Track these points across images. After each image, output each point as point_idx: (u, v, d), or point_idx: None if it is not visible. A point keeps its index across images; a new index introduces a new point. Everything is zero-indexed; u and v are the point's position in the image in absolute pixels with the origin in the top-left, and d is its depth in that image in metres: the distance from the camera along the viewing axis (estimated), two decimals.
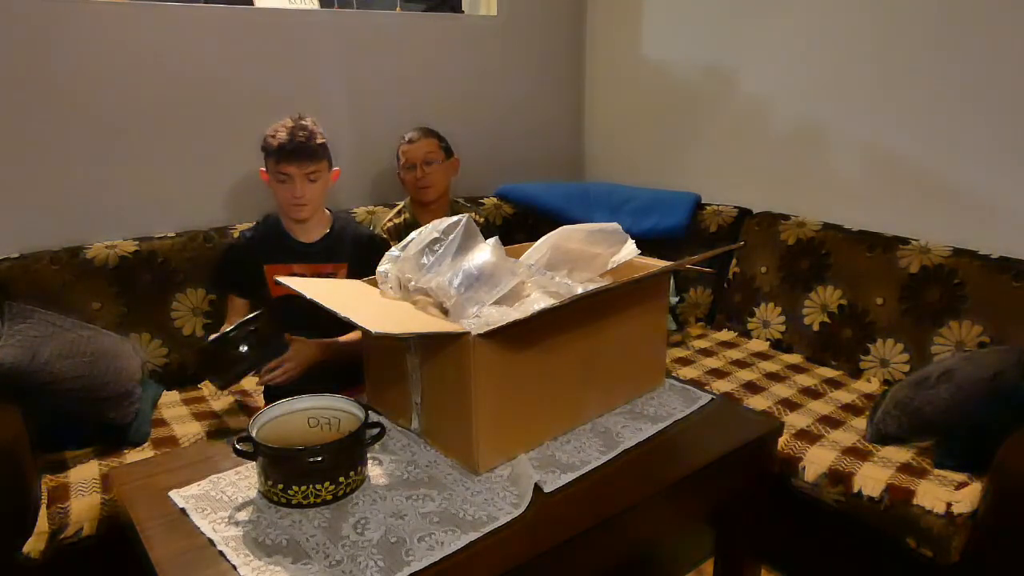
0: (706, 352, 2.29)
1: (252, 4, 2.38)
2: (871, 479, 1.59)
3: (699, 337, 2.42)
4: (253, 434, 1.15)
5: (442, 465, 1.25)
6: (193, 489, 1.18)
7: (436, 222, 1.37)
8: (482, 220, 2.34)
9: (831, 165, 2.38)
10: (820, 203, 2.41)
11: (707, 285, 2.57)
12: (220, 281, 2.03)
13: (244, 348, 1.50)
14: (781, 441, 1.70)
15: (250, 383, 2.08)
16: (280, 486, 1.11)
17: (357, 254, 1.87)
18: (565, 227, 1.49)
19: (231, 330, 1.51)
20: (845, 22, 2.27)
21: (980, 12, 1.97)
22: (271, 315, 1.57)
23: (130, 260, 2.03)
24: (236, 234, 2.13)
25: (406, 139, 2.26)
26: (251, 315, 1.53)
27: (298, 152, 1.77)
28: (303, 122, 1.82)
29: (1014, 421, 1.52)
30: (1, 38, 1.89)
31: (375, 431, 1.21)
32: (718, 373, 2.12)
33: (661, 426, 1.38)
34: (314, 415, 1.26)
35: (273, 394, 1.75)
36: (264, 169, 1.86)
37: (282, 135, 1.77)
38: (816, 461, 1.68)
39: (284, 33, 2.32)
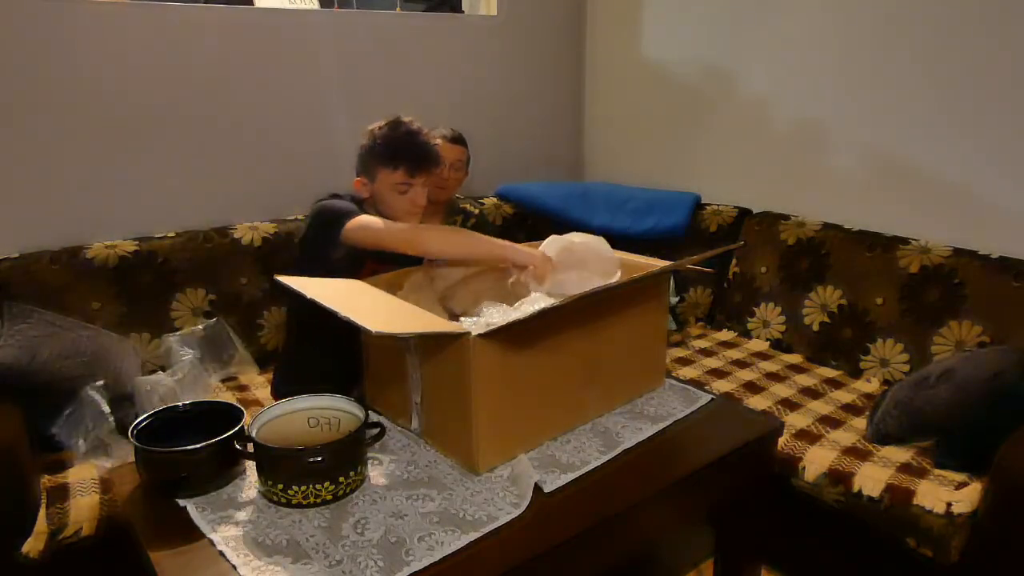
0: (706, 352, 2.29)
1: (252, 4, 2.38)
2: (871, 479, 1.59)
3: (699, 337, 2.42)
4: (253, 434, 1.15)
5: (442, 465, 1.25)
6: None
7: None
8: (477, 211, 2.33)
9: (831, 165, 2.38)
10: (820, 203, 2.41)
11: (707, 285, 2.57)
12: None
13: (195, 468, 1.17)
14: (781, 441, 1.70)
15: (250, 379, 2.09)
16: (280, 486, 1.11)
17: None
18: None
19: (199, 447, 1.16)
20: (845, 22, 2.27)
21: (980, 12, 1.97)
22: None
23: (130, 260, 2.03)
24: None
25: (443, 135, 2.16)
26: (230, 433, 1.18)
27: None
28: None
29: (1014, 421, 1.52)
30: (1, 38, 1.89)
31: (375, 431, 1.21)
32: (718, 373, 2.12)
33: (661, 426, 1.39)
34: (314, 415, 1.26)
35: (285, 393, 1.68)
36: (362, 179, 1.72)
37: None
38: (816, 461, 1.68)
39: (284, 33, 2.32)
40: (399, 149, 1.64)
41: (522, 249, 1.52)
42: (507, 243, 1.54)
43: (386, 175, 1.66)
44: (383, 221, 1.57)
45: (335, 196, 1.71)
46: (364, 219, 1.55)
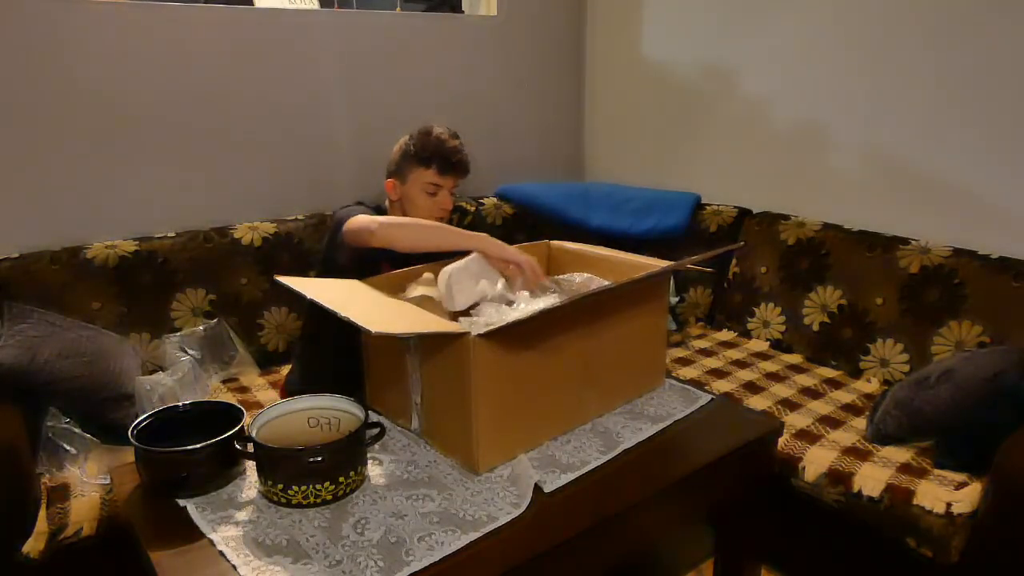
0: (706, 352, 2.29)
1: (252, 4, 2.38)
2: (871, 479, 1.59)
3: (699, 337, 2.42)
4: (253, 434, 1.15)
5: (442, 465, 1.25)
6: None
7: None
8: (473, 209, 2.33)
9: (831, 165, 2.38)
10: (820, 203, 2.41)
11: (707, 285, 2.57)
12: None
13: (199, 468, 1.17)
14: (781, 441, 1.70)
15: (250, 380, 2.09)
16: (280, 486, 1.11)
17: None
18: None
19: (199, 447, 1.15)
20: (845, 22, 2.27)
21: (980, 12, 1.97)
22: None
23: (130, 260, 2.03)
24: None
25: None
26: (228, 434, 1.18)
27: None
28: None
29: (1014, 421, 1.52)
30: (1, 38, 1.89)
31: (375, 431, 1.21)
32: (718, 373, 2.12)
33: (661, 426, 1.38)
34: (314, 415, 1.26)
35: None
36: (394, 181, 1.78)
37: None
38: (816, 461, 1.68)
39: (284, 33, 2.32)
40: (432, 150, 1.73)
41: (499, 243, 1.49)
42: (481, 235, 1.51)
43: (418, 174, 1.74)
44: (366, 217, 1.55)
45: (359, 203, 1.76)
46: (356, 218, 1.55)
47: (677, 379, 1.61)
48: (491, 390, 1.18)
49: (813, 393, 2.00)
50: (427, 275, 1.48)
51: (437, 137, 1.75)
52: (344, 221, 1.57)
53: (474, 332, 1.13)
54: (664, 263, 1.49)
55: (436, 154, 1.73)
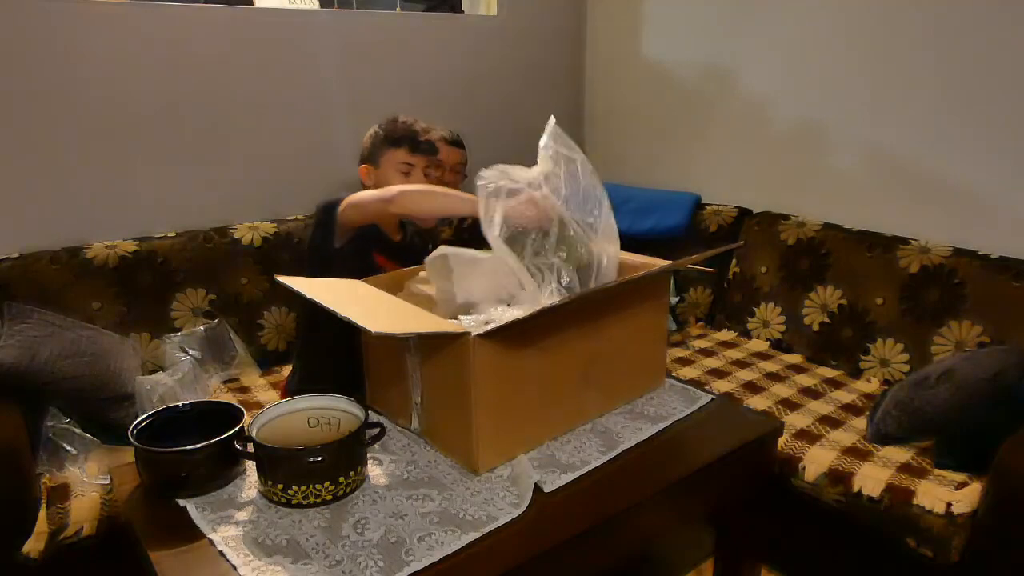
0: (706, 352, 2.29)
1: (252, 4, 2.38)
2: (871, 479, 1.59)
3: (699, 337, 2.42)
4: (253, 434, 1.15)
5: (442, 465, 1.25)
6: None
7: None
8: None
9: (831, 165, 2.39)
10: (820, 203, 2.41)
11: (707, 285, 2.57)
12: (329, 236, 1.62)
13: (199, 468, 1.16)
14: (781, 441, 1.70)
15: (250, 380, 2.09)
16: (280, 486, 1.11)
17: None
18: None
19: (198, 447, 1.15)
20: (845, 22, 2.27)
21: (980, 12, 1.97)
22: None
23: (130, 260, 2.03)
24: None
25: (442, 136, 2.20)
26: (229, 433, 1.17)
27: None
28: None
29: (1014, 421, 1.52)
30: (1, 38, 1.89)
31: (375, 431, 1.21)
32: (718, 373, 2.12)
33: (661, 426, 1.38)
34: (314, 415, 1.26)
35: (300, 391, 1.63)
36: (368, 165, 1.83)
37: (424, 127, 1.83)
38: (816, 461, 1.68)
39: (284, 33, 2.32)
40: (401, 133, 1.81)
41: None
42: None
43: (390, 155, 1.80)
44: (372, 191, 1.59)
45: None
46: (358, 194, 1.59)
47: (677, 379, 1.61)
48: (491, 390, 1.18)
49: (813, 393, 2.00)
50: (423, 274, 1.48)
51: (403, 122, 1.83)
52: (335, 205, 1.58)
53: (474, 332, 1.13)
54: (664, 263, 1.48)
55: (405, 135, 1.80)
